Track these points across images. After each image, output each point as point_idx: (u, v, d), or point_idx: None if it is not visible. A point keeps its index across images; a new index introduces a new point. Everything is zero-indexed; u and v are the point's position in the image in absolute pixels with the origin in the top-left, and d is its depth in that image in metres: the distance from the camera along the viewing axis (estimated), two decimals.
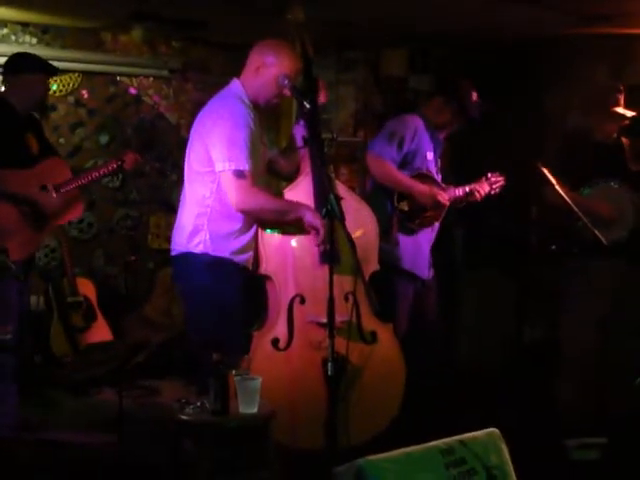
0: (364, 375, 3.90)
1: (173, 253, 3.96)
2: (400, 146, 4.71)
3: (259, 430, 3.28)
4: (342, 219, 3.53)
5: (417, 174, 4.78)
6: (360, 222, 4.08)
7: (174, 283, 4.07)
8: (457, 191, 4.83)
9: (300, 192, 3.95)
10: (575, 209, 4.60)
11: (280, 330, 3.84)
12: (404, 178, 4.72)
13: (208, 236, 3.80)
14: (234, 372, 3.32)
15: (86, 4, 5.34)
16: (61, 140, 6.23)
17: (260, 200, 3.83)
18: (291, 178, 4.22)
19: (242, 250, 3.86)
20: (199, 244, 3.81)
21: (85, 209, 6.21)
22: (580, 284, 4.90)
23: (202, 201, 3.82)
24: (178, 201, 4.01)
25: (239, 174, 3.71)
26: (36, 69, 4.54)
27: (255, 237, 3.91)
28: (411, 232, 4.78)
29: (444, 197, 4.75)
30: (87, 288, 5.90)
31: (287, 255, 3.91)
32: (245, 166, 3.72)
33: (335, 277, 3.48)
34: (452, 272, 6.22)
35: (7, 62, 4.66)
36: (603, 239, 4.58)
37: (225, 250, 3.82)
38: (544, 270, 5.50)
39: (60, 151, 6.12)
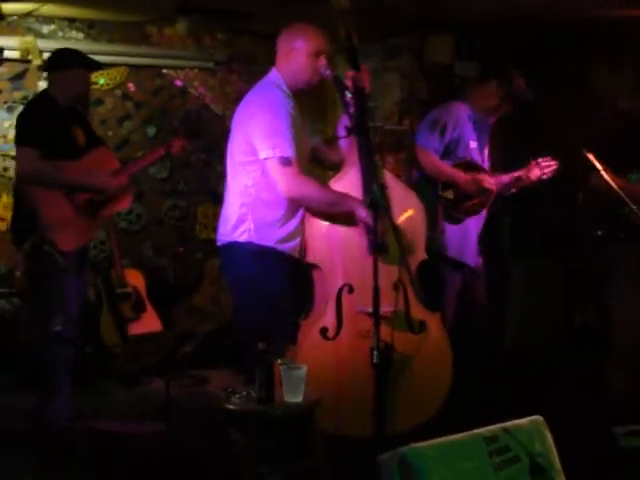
0: (412, 364, 3.89)
1: (219, 243, 3.97)
2: (442, 134, 4.73)
3: (304, 419, 3.29)
4: (387, 209, 3.55)
5: (461, 162, 4.77)
6: (407, 211, 4.06)
7: (222, 273, 4.07)
8: (504, 178, 4.82)
9: (348, 182, 3.93)
10: (621, 194, 4.55)
11: (329, 319, 3.83)
12: (446, 167, 4.74)
13: (252, 225, 3.82)
14: (280, 361, 3.35)
15: None
16: (109, 133, 6.31)
17: (310, 189, 3.85)
18: (336, 168, 4.23)
19: (287, 239, 3.87)
20: (243, 233, 3.83)
21: (133, 200, 6.33)
22: (626, 270, 4.86)
23: (245, 190, 3.84)
24: (224, 192, 4.04)
25: (285, 161, 3.73)
26: (76, 64, 4.57)
27: (301, 225, 3.92)
28: (457, 221, 4.78)
29: (490, 183, 4.75)
30: (136, 279, 5.98)
31: (336, 244, 3.89)
32: (290, 153, 3.74)
33: (384, 267, 3.50)
34: (500, 260, 6.19)
35: (49, 59, 4.72)
36: None
37: (270, 239, 3.83)
38: (591, 256, 5.46)
39: (108, 144, 6.21)
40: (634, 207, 4.53)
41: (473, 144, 4.86)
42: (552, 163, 4.92)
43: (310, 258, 3.90)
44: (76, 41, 6.11)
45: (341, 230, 3.89)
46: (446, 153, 4.77)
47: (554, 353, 5.83)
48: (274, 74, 3.97)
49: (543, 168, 4.89)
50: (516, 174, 4.84)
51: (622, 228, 4.76)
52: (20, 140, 4.43)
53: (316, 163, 4.28)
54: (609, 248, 4.92)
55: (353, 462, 3.46)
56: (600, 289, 5.38)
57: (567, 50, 6.17)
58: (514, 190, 4.91)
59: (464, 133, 4.82)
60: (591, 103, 6.03)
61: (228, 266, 4.00)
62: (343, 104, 3.85)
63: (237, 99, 6.50)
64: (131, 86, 6.38)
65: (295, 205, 3.88)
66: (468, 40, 6.49)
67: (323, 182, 4.17)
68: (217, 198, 6.68)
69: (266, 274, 3.81)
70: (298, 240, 3.90)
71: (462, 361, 4.14)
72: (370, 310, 3.39)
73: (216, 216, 6.66)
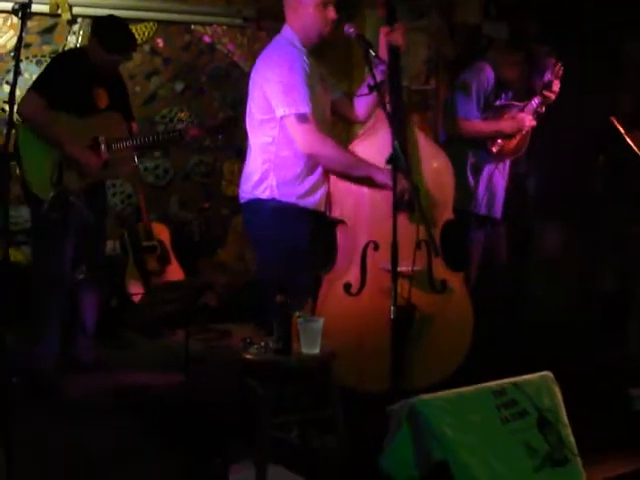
0: (432, 323, 3.95)
1: (242, 201, 4.03)
2: (478, 98, 4.81)
3: (321, 370, 3.35)
4: (406, 168, 3.60)
5: (498, 107, 4.83)
6: (437, 171, 4.11)
7: (245, 229, 4.13)
8: (533, 102, 4.83)
9: (378, 139, 3.94)
10: None
11: (353, 275, 3.89)
12: (489, 125, 4.84)
13: (275, 182, 3.87)
14: (298, 313, 3.41)
15: None
16: (137, 88, 6.34)
17: (327, 147, 3.88)
18: (359, 122, 4.28)
19: (308, 193, 3.92)
20: (266, 190, 3.88)
21: (161, 156, 6.43)
22: None
23: (265, 148, 3.89)
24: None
25: (302, 117, 3.76)
26: (112, 50, 4.62)
27: (324, 180, 3.96)
28: (489, 178, 4.82)
29: (529, 119, 4.82)
30: (162, 233, 6.06)
31: (363, 202, 3.94)
32: (306, 109, 3.77)
33: (410, 226, 3.58)
34: (524, 222, 6.21)
35: (97, 25, 4.80)
36: None
37: (292, 195, 3.88)
38: (615, 217, 5.47)
39: (136, 99, 6.28)
40: None
41: (500, 102, 4.93)
42: (558, 64, 4.84)
43: (336, 214, 3.95)
44: None
45: (369, 187, 3.92)
46: (485, 108, 4.85)
47: (573, 316, 5.84)
48: (286, 31, 3.99)
49: (556, 73, 4.83)
50: (540, 95, 4.83)
51: None
52: (33, 84, 4.57)
53: (338, 117, 4.31)
54: (631, 210, 4.95)
55: (371, 415, 3.53)
56: (624, 254, 5.40)
57: (597, 12, 6.12)
58: (543, 109, 4.89)
59: (491, 93, 4.87)
60: (620, 69, 6.00)
61: (251, 222, 4.04)
62: (367, 62, 3.88)
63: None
64: (159, 42, 6.40)
65: (313, 161, 3.91)
66: (496, 0, 6.47)
67: (348, 138, 4.21)
68: (242, 154, 6.69)
69: (288, 230, 3.87)
70: (319, 195, 3.95)
71: (483, 320, 4.20)
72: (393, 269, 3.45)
73: (241, 172, 6.81)
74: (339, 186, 3.95)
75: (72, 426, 4.00)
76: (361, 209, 3.94)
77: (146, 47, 6.37)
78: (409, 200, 3.73)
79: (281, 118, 3.80)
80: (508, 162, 5.00)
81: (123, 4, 6.15)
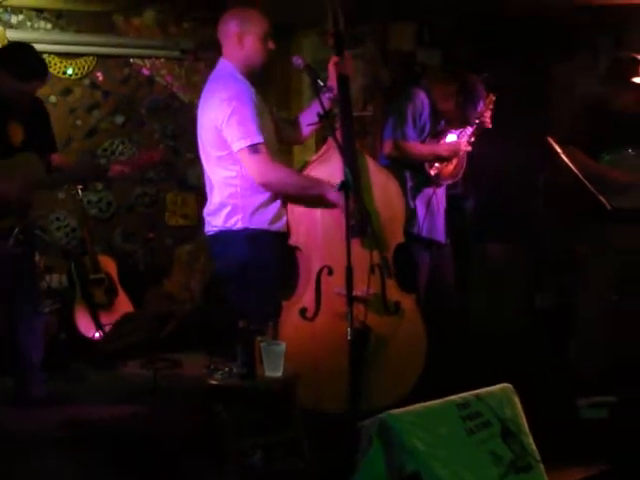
0: (388, 344, 4.03)
1: (210, 233, 4.05)
2: (414, 122, 4.85)
3: (285, 393, 3.43)
4: (357, 192, 3.70)
5: (434, 133, 4.94)
6: (388, 195, 4.20)
7: (213, 261, 4.17)
8: (467, 131, 4.92)
9: (329, 166, 4.02)
10: (581, 177, 4.74)
11: (308, 300, 3.96)
12: (427, 147, 4.89)
13: (245, 212, 3.92)
14: (259, 338, 3.48)
15: None
16: (78, 122, 6.38)
17: (282, 174, 3.97)
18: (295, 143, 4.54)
19: (277, 217, 3.98)
20: (237, 221, 3.92)
21: (103, 188, 6.46)
22: (591, 249, 5.05)
23: (229, 181, 3.93)
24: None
25: (254, 149, 3.82)
26: (27, 78, 4.44)
27: (284, 205, 4.03)
28: (428, 201, 4.92)
29: (464, 144, 4.89)
30: (108, 265, 6.07)
31: (316, 227, 4.01)
32: (259, 139, 3.83)
33: (364, 250, 3.66)
34: (463, 242, 6.34)
35: (1, 54, 4.62)
36: (607, 205, 4.73)
37: (263, 221, 3.94)
38: (557, 237, 5.63)
39: (77, 133, 6.36)
40: (591, 186, 4.73)
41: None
42: (489, 95, 4.93)
43: (292, 240, 4.02)
44: (45, 31, 6.17)
45: (321, 213, 4.00)
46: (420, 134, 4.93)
47: (515, 333, 5.97)
48: (226, 65, 4.03)
49: (488, 103, 4.93)
50: (473, 124, 4.91)
51: (586, 209, 4.95)
52: None
53: (280, 141, 4.35)
54: (575, 227, 5.11)
55: (330, 435, 3.60)
56: (564, 269, 5.56)
57: (527, 36, 6.31)
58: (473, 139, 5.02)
59: (426, 119, 4.93)
60: (552, 90, 6.20)
61: (222, 253, 4.04)
62: (315, 91, 3.98)
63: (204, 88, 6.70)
64: (99, 75, 6.45)
65: (268, 189, 3.98)
66: (430, 27, 6.63)
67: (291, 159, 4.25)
68: (185, 185, 6.82)
69: (262, 256, 3.91)
70: (285, 218, 4.01)
71: (433, 339, 4.30)
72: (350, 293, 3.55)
73: (185, 203, 6.91)
74: (294, 213, 4.01)
75: (28, 460, 3.98)
76: (314, 234, 4.01)
77: (86, 81, 6.41)
78: (360, 223, 3.83)
79: (237, 152, 3.85)
80: (445, 186, 5.10)
81: (62, 39, 6.20)
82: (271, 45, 4.02)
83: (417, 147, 4.87)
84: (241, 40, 3.98)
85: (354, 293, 3.56)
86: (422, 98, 4.92)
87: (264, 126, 3.93)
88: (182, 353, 5.89)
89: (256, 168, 3.87)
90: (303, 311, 3.94)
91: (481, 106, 4.88)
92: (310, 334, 3.94)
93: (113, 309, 5.91)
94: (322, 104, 3.86)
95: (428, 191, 4.94)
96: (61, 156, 4.99)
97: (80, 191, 5.92)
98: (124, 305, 5.99)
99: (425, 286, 4.89)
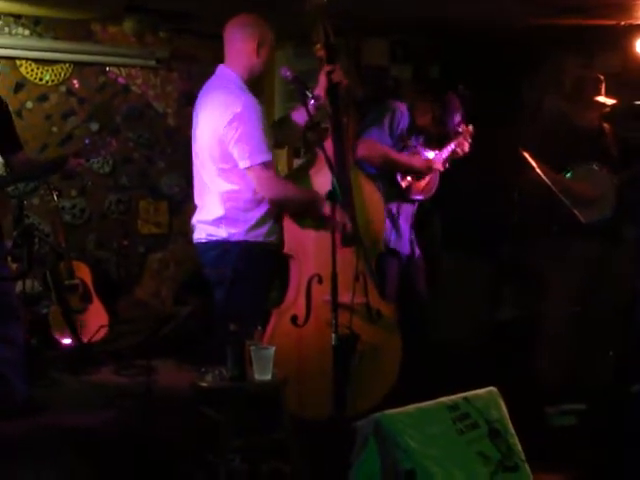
0: (369, 350, 4.11)
1: (204, 241, 4.07)
2: (391, 129, 4.87)
3: (274, 395, 3.51)
4: (343, 203, 3.80)
5: (411, 147, 4.99)
6: (372, 205, 4.30)
7: (207, 269, 4.20)
8: (443, 153, 4.97)
9: (324, 176, 4.02)
10: (554, 190, 4.88)
11: (299, 307, 4.05)
12: (402, 157, 4.90)
13: (244, 225, 3.96)
14: (248, 342, 3.56)
15: None
16: (54, 129, 6.41)
17: (289, 189, 4.06)
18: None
19: (272, 230, 4.05)
20: (236, 234, 3.96)
21: (77, 195, 6.48)
22: (557, 262, 5.18)
23: (233, 195, 3.95)
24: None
25: (266, 166, 3.88)
26: None
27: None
28: (396, 213, 4.99)
29: (439, 163, 4.93)
30: (83, 271, 6.08)
31: (308, 236, 4.08)
32: (269, 157, 3.88)
33: (352, 259, 3.80)
34: (432, 254, 6.44)
35: None
36: (582, 218, 4.88)
37: (259, 235, 4.00)
38: (523, 250, 5.77)
39: (52, 139, 6.37)
40: (566, 200, 4.88)
41: (411, 140, 5.01)
42: (468, 128, 5.00)
43: (286, 248, 4.09)
44: (22, 37, 6.19)
45: (313, 222, 4.07)
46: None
47: (480, 345, 6.07)
48: (229, 73, 4.01)
49: (466, 135, 5.00)
50: (451, 147, 4.96)
51: (555, 222, 5.10)
52: None
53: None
54: (542, 242, 5.25)
55: (317, 438, 3.68)
56: (529, 281, 5.69)
57: (500, 54, 6.46)
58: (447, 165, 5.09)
59: (404, 131, 4.96)
60: (522, 107, 6.36)
61: (217, 263, 4.05)
62: (302, 103, 4.04)
63: (178, 97, 6.78)
64: (75, 82, 6.48)
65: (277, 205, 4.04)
66: (403, 43, 6.75)
67: None
68: (157, 194, 6.86)
69: (255, 268, 3.98)
70: (278, 230, 4.08)
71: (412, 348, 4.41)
72: (339, 300, 3.64)
73: (157, 211, 6.95)
74: (288, 223, 4.09)
75: (12, 467, 3.95)
76: (307, 243, 4.09)
77: (62, 88, 6.44)
78: (350, 233, 3.93)
79: (245, 169, 3.87)
80: (411, 208, 5.10)
81: (39, 45, 6.23)
82: (282, 69, 4.07)
83: (392, 152, 4.87)
84: (259, 50, 4.00)
85: (342, 300, 3.65)
86: (402, 110, 4.95)
87: (269, 139, 3.97)
88: (154, 359, 5.91)
89: (266, 184, 3.92)
90: (294, 318, 4.02)
91: (458, 118, 4.95)
92: (300, 340, 4.02)
93: (88, 315, 5.93)
94: (309, 114, 3.94)
95: (395, 203, 4.97)
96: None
97: (56, 197, 5.95)
98: (98, 311, 6.00)
99: (395, 296, 4.95)
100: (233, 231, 3.97)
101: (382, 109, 5.00)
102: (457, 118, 4.95)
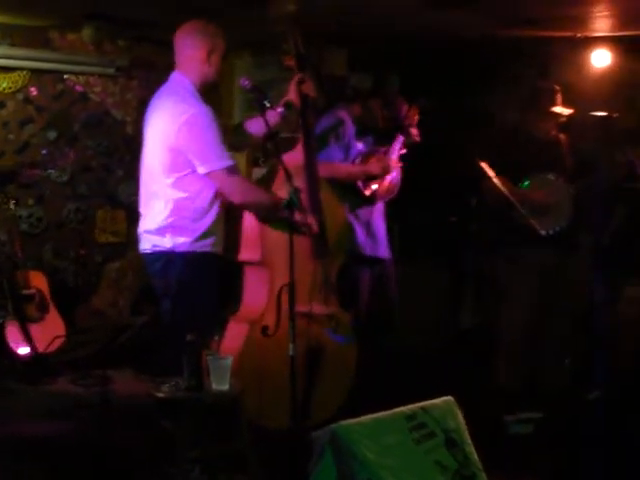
0: (330, 359, 4.16)
1: (150, 252, 4.03)
2: (337, 141, 4.91)
3: (232, 405, 3.50)
4: (302, 210, 3.81)
5: (364, 153, 5.01)
6: (336, 216, 4.34)
7: (153, 279, 4.18)
8: (395, 145, 5.02)
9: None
10: (512, 199, 4.93)
11: (270, 318, 4.05)
12: (356, 167, 4.94)
13: (191, 235, 3.93)
14: (207, 352, 3.55)
15: (40, 4, 5.44)
16: (10, 136, 6.34)
17: (258, 193, 4.07)
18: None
19: (219, 240, 4.03)
20: (182, 244, 3.93)
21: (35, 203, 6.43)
22: (514, 270, 5.23)
23: (180, 203, 3.91)
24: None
25: (230, 170, 3.85)
26: None
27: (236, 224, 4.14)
28: (367, 221, 5.00)
29: (394, 161, 4.99)
30: (39, 281, 6.03)
31: (279, 246, 3.99)
32: (231, 162, 3.86)
33: (319, 269, 3.88)
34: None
35: None
36: (538, 227, 4.92)
37: (206, 245, 3.97)
38: (481, 258, 5.81)
39: (10, 147, 6.31)
40: (523, 210, 4.92)
41: (360, 145, 5.05)
42: (411, 108, 5.06)
43: (254, 257, 4.12)
44: None
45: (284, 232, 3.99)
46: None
47: (440, 353, 6.10)
48: (182, 80, 3.98)
49: (412, 114, 5.05)
50: (400, 139, 5.02)
51: (512, 231, 5.14)
52: None
53: None
54: (499, 250, 5.29)
55: (274, 447, 3.68)
56: (488, 289, 5.73)
57: (458, 65, 6.51)
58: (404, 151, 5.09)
59: (351, 137, 5.00)
60: (480, 117, 6.41)
61: (163, 273, 4.02)
62: (261, 112, 4.02)
63: (137, 105, 6.74)
64: (33, 90, 6.42)
65: (244, 209, 4.06)
66: (362, 53, 6.77)
67: None
68: (115, 202, 6.82)
69: (202, 277, 3.97)
70: (223, 239, 4.07)
71: (375, 355, 4.43)
72: (302, 310, 3.64)
73: (114, 220, 6.90)
74: (255, 230, 4.12)
75: None
76: (279, 253, 4.01)
77: (20, 95, 6.37)
78: (318, 243, 3.94)
79: (206, 174, 3.84)
80: (383, 204, 5.17)
81: None
82: (241, 78, 4.12)
83: (344, 167, 4.91)
84: (210, 57, 3.97)
85: (306, 310, 3.66)
86: (341, 116, 4.99)
87: (225, 144, 3.94)
88: (109, 369, 5.87)
89: (236, 188, 3.92)
90: (265, 329, 4.02)
91: (404, 110, 5.01)
92: (268, 351, 4.01)
93: (44, 325, 5.88)
94: (268, 125, 3.94)
95: (366, 211, 5.02)
96: None
97: (13, 205, 5.90)
98: (55, 321, 5.95)
99: (367, 302, 4.97)
100: (179, 241, 3.93)
101: (321, 121, 4.99)
102: (403, 110, 5.03)
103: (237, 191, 3.92)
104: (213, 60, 3.99)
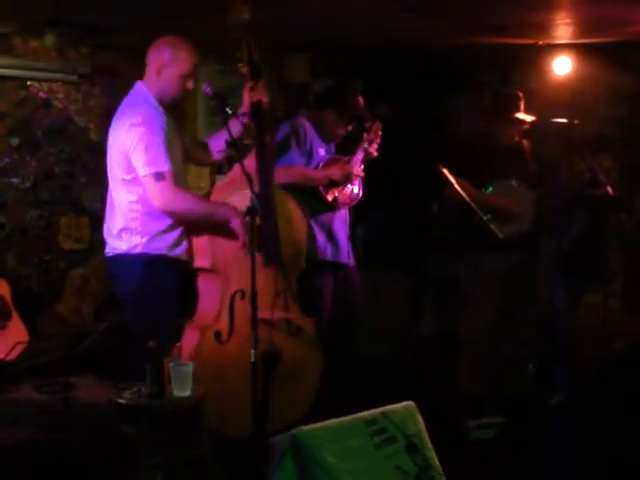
0: (291, 366, 4.14)
1: (110, 255, 4.11)
2: (299, 146, 4.92)
3: (193, 412, 3.50)
4: (272, 218, 3.83)
5: (326, 160, 5.02)
6: (293, 223, 4.35)
7: (114, 283, 4.21)
8: (358, 155, 5.04)
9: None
10: (472, 205, 4.97)
11: (223, 323, 4.05)
12: (318, 171, 4.95)
13: (144, 237, 4.00)
14: (167, 358, 3.55)
15: (1, 10, 5.40)
16: None
17: (185, 201, 4.05)
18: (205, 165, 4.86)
19: (176, 243, 4.08)
20: (137, 246, 4.01)
21: None
22: (476, 275, 5.27)
23: (131, 206, 4.01)
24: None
25: (159, 176, 3.91)
26: None
27: (187, 229, 4.12)
28: (328, 226, 5.01)
29: (354, 168, 4.99)
30: (2, 287, 5.97)
31: (232, 252, 4.08)
32: (165, 167, 3.92)
33: (274, 275, 3.84)
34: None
35: None
36: (498, 232, 4.97)
37: (162, 247, 4.03)
38: (443, 264, 5.85)
39: None
40: (483, 215, 4.96)
41: (322, 151, 5.07)
42: (375, 123, 5.08)
43: (207, 263, 4.11)
44: None
45: (237, 238, 4.05)
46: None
47: (402, 359, 6.12)
48: (142, 89, 4.11)
49: (375, 130, 5.07)
50: (363, 147, 5.04)
51: (473, 237, 5.18)
52: None
53: (192, 162, 4.57)
54: (461, 255, 5.33)
55: (235, 453, 3.68)
56: (450, 295, 5.77)
57: (420, 72, 6.55)
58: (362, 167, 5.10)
59: (313, 143, 5.02)
60: (442, 123, 6.46)
61: (121, 276, 4.12)
62: (223, 119, 4.06)
63: (101, 112, 6.73)
64: None
65: (173, 216, 4.06)
66: (324, 59, 6.79)
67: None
68: (79, 209, 6.78)
69: (159, 280, 4.01)
70: (185, 243, 4.11)
71: (338, 361, 4.45)
72: (262, 316, 3.65)
73: (78, 227, 6.87)
74: (207, 236, 4.10)
75: None
76: (231, 259, 4.08)
77: None
78: (269, 250, 3.95)
79: (142, 177, 3.94)
80: (346, 210, 5.17)
81: None
82: (190, 85, 4.13)
83: (307, 171, 4.92)
84: (160, 71, 4.06)
85: (262, 316, 3.67)
86: (302, 123, 5.01)
87: (173, 154, 4.01)
88: (72, 376, 5.83)
89: (159, 195, 3.95)
90: (218, 334, 4.02)
91: (366, 119, 5.02)
92: (223, 357, 4.02)
93: (6, 332, 5.83)
94: (230, 132, 3.95)
95: (327, 216, 5.03)
96: None
97: None
98: (17, 328, 5.89)
99: (331, 308, 4.98)
100: (133, 242, 4.00)
101: (283, 128, 5.03)
102: (365, 119, 5.03)
103: (160, 198, 3.95)
104: (164, 75, 4.08)
